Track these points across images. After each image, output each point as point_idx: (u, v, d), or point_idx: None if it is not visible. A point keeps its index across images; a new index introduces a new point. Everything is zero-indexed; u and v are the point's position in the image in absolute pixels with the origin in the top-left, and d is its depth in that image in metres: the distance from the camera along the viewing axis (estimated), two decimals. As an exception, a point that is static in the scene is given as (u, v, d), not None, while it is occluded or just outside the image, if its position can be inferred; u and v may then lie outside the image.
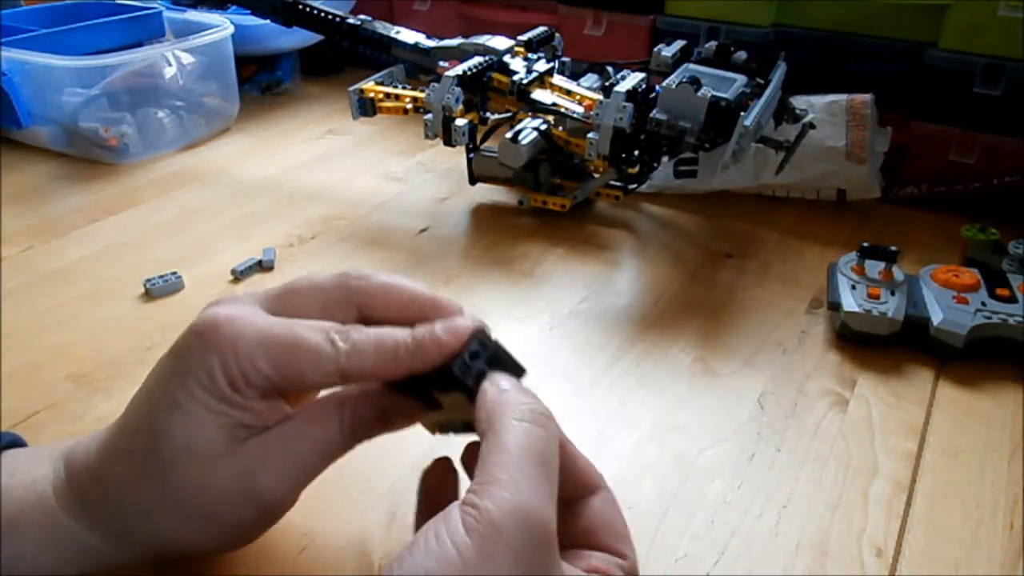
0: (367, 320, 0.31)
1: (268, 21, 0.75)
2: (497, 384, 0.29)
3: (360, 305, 0.31)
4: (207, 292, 0.57)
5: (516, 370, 0.31)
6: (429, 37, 0.71)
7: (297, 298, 0.31)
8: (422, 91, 0.63)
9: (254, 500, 0.29)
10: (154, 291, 0.56)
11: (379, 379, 0.30)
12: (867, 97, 0.68)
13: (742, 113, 0.54)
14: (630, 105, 0.57)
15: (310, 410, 0.30)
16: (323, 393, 0.32)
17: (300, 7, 0.72)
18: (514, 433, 0.26)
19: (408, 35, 0.72)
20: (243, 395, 0.28)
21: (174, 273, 0.57)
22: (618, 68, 0.67)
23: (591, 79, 0.68)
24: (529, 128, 0.64)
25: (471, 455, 0.32)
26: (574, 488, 0.30)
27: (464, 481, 0.32)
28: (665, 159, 0.68)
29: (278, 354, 0.28)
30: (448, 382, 0.29)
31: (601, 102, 0.59)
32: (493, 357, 0.30)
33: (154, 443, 0.28)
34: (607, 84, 0.63)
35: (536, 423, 0.27)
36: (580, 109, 0.62)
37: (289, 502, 0.31)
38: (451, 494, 0.32)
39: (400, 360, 0.29)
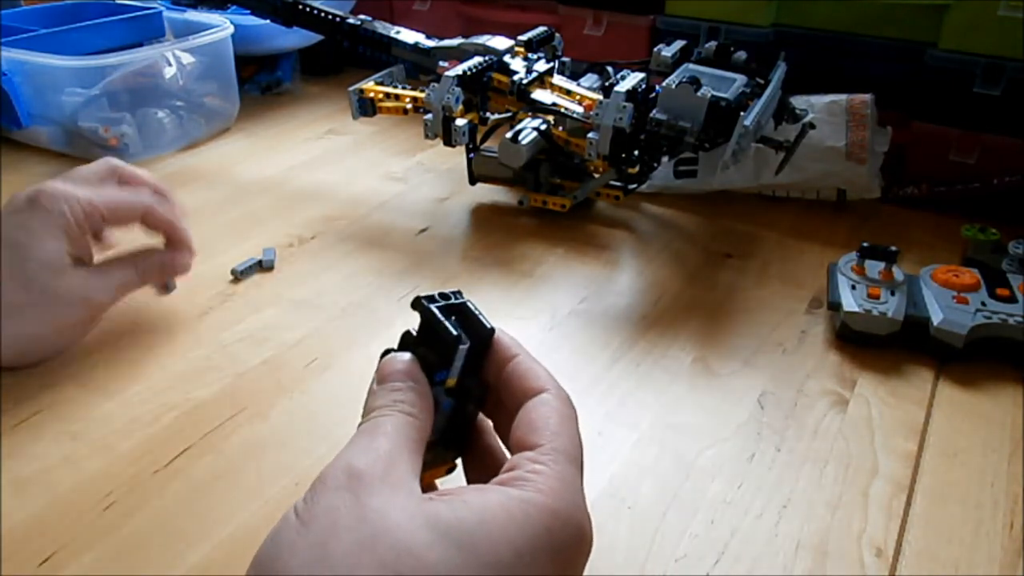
0: None
1: (268, 21, 0.75)
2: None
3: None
4: (207, 292, 0.57)
5: (483, 330, 0.31)
6: (429, 37, 0.71)
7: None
8: (422, 91, 0.63)
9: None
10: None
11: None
12: (867, 97, 0.68)
13: (742, 113, 0.54)
14: (630, 105, 0.57)
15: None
16: None
17: (300, 7, 0.72)
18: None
19: (408, 35, 0.72)
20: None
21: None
22: (618, 68, 0.67)
23: (591, 79, 0.68)
24: (529, 128, 0.64)
25: None
26: (514, 396, 0.31)
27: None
28: (665, 159, 0.68)
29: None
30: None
31: (601, 102, 0.59)
32: (462, 316, 0.31)
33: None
34: (607, 84, 0.63)
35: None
36: (580, 109, 0.62)
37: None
38: None
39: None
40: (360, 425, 0.29)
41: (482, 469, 0.32)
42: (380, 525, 0.24)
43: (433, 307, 0.30)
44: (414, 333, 0.31)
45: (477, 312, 0.32)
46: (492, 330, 0.31)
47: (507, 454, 0.30)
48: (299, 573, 0.23)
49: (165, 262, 0.52)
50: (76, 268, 0.47)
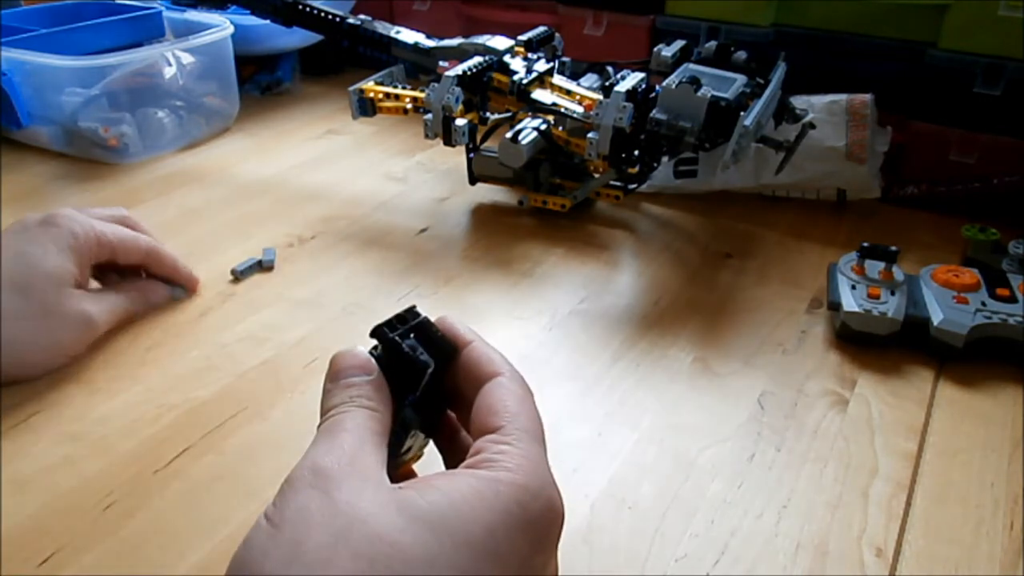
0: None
1: (268, 21, 0.75)
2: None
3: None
4: (207, 292, 0.57)
5: (446, 348, 0.31)
6: (429, 37, 0.71)
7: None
8: (422, 91, 0.63)
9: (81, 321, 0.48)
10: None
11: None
12: (867, 97, 0.68)
13: (742, 113, 0.54)
14: (630, 105, 0.57)
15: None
16: None
17: (300, 7, 0.72)
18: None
19: (408, 35, 0.72)
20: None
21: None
22: (618, 68, 0.67)
23: (591, 79, 0.68)
24: (529, 128, 0.64)
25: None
26: (470, 382, 0.31)
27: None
28: (665, 159, 0.68)
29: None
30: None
31: (601, 102, 0.59)
32: (423, 334, 0.31)
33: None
34: (607, 84, 0.63)
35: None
36: (580, 109, 0.62)
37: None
38: None
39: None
40: (320, 425, 0.29)
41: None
42: (352, 516, 0.24)
43: (396, 336, 0.31)
44: (375, 353, 0.32)
45: (436, 329, 0.32)
46: (455, 347, 0.32)
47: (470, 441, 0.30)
48: (274, 574, 0.23)
49: (159, 295, 0.55)
50: (77, 289, 0.48)
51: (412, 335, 0.31)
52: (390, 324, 0.31)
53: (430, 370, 0.30)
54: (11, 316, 0.45)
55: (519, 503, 0.26)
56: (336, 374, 0.31)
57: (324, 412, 0.30)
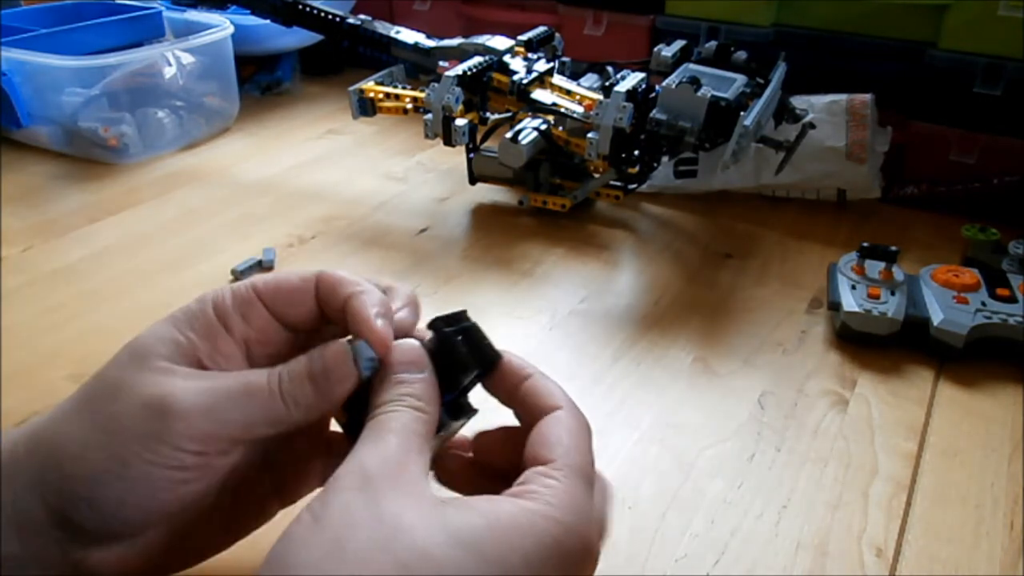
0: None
1: (268, 21, 0.75)
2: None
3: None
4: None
5: (491, 355, 0.32)
6: (429, 37, 0.71)
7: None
8: (422, 91, 0.63)
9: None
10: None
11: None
12: (867, 97, 0.68)
13: (742, 113, 0.54)
14: (630, 105, 0.57)
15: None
16: None
17: (300, 7, 0.72)
18: None
19: (408, 35, 0.72)
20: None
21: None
22: (618, 68, 0.67)
23: (591, 79, 0.68)
24: (529, 128, 0.64)
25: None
26: (529, 414, 0.31)
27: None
28: (665, 159, 0.68)
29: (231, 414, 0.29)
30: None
31: (601, 102, 0.59)
32: (470, 338, 0.31)
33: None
34: (607, 84, 0.63)
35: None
36: (580, 109, 0.62)
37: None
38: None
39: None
40: (368, 419, 0.29)
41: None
42: (396, 526, 0.24)
43: (448, 331, 0.31)
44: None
45: (485, 336, 0.32)
46: (499, 355, 0.32)
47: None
48: (312, 570, 0.24)
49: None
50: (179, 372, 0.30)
51: (460, 336, 0.31)
52: (443, 319, 0.31)
53: (475, 372, 0.31)
54: (90, 455, 0.28)
55: (554, 538, 0.26)
56: (389, 368, 0.30)
57: (374, 407, 0.29)
